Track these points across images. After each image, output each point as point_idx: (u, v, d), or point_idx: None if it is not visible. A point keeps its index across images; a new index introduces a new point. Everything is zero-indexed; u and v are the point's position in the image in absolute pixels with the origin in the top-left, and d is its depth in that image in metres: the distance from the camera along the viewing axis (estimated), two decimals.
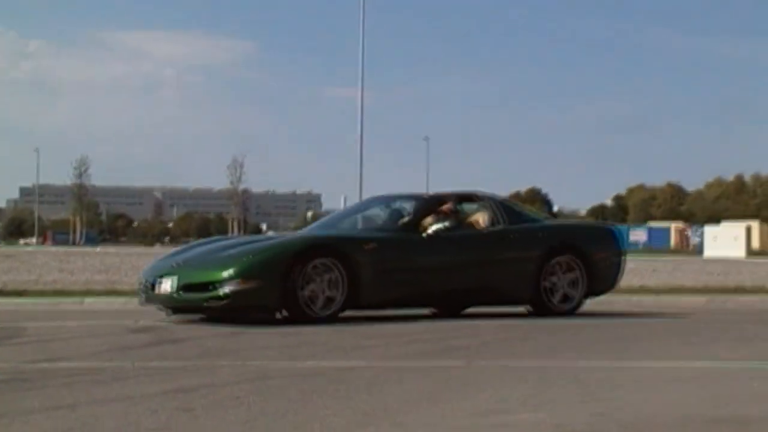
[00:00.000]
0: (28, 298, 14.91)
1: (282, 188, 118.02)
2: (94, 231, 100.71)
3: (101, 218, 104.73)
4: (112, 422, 5.77)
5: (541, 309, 12.05)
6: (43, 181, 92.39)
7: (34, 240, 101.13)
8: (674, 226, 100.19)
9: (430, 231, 11.61)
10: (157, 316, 11.57)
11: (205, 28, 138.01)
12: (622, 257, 13.15)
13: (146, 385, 7.02)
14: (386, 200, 13.27)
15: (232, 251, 10.89)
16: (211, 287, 10.36)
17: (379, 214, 12.81)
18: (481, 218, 12.23)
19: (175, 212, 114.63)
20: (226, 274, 10.33)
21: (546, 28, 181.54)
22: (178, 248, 13.00)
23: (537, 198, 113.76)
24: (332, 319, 10.69)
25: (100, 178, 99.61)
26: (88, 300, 14.76)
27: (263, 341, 9.59)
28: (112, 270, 27.43)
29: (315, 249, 10.88)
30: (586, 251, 12.38)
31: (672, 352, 9.09)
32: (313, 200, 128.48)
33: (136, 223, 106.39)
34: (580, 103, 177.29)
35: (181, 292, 10.52)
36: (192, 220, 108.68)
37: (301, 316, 10.53)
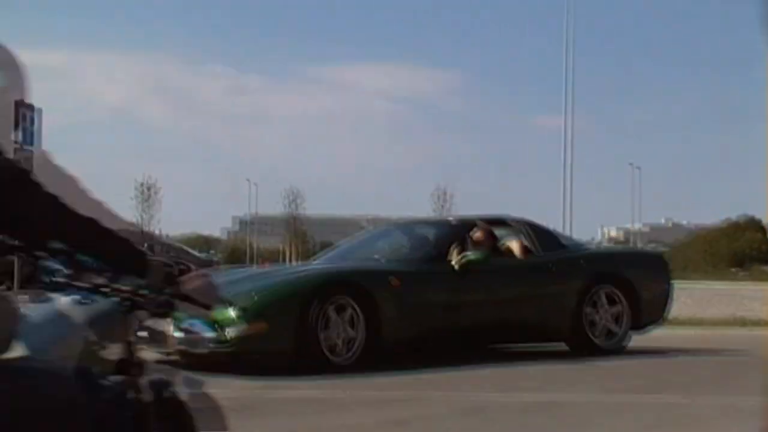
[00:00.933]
0: None
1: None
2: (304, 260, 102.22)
3: (311, 248, 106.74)
4: None
5: (582, 345, 10.64)
6: (257, 211, 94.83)
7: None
8: None
9: (459, 262, 10.13)
10: None
11: (412, 60, 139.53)
12: (671, 287, 11.68)
13: (362, 415, 7.08)
14: (407, 226, 12.17)
15: (237, 288, 9.23)
16: (213, 331, 8.79)
17: (402, 242, 11.45)
18: (514, 245, 10.84)
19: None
20: (230, 316, 8.75)
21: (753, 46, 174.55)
22: None
23: (751, 225, 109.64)
24: (351, 365, 9.07)
25: (310, 208, 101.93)
26: None
27: (477, 372, 9.51)
28: None
29: (333, 285, 9.30)
30: (631, 281, 10.97)
31: None
32: None
33: None
34: None
35: (180, 335, 8.88)
36: None
37: (318, 363, 8.86)
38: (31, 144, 16.19)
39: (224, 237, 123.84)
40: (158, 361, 8.58)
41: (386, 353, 9.43)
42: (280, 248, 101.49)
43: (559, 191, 53.27)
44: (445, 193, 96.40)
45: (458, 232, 10.72)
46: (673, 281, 11.86)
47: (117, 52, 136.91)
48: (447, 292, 10.05)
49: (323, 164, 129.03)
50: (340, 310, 8.96)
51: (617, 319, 10.79)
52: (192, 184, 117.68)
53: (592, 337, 10.64)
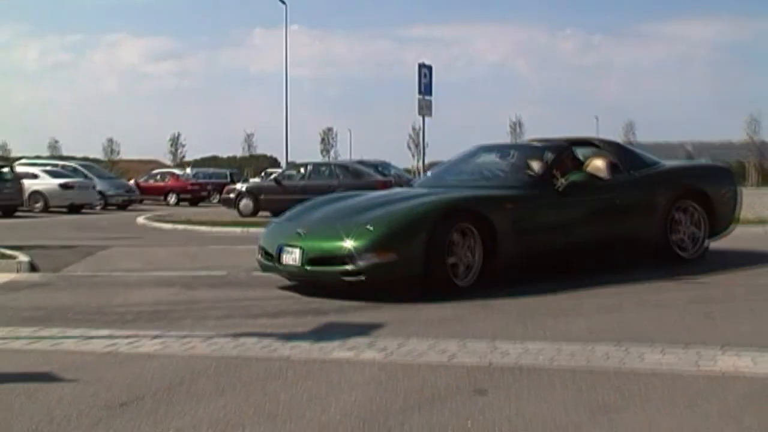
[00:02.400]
0: None
1: None
2: None
3: None
4: (648, 322, 6.10)
5: (668, 255, 8.78)
6: None
7: None
8: None
9: (563, 184, 8.23)
10: None
11: (733, 12, 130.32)
12: (739, 195, 9.65)
13: (676, 293, 7.11)
14: (499, 150, 9.82)
15: (364, 216, 7.56)
16: (343, 261, 7.18)
17: (498, 166, 9.20)
18: (600, 164, 8.80)
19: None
20: (359, 245, 7.11)
21: None
22: (300, 207, 8.71)
23: None
24: (472, 286, 7.43)
25: (644, 136, 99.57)
26: None
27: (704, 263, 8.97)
28: None
29: (457, 212, 7.55)
30: (707, 192, 9.07)
31: None
32: None
33: None
34: None
35: (310, 266, 7.34)
36: None
37: (445, 286, 7.23)
38: (429, 94, 17.32)
39: None
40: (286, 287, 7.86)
41: (500, 274, 7.68)
42: None
43: None
44: (756, 120, 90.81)
45: (558, 154, 8.73)
46: (739, 190, 9.87)
47: (494, 24, 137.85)
48: (554, 213, 8.24)
49: (654, 102, 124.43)
50: (463, 235, 7.43)
51: (697, 229, 9.03)
52: (552, 122, 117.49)
53: (676, 248, 8.87)
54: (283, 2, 52.49)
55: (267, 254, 7.83)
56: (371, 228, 7.22)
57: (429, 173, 10.34)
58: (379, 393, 4.32)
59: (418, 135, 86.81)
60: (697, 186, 9.20)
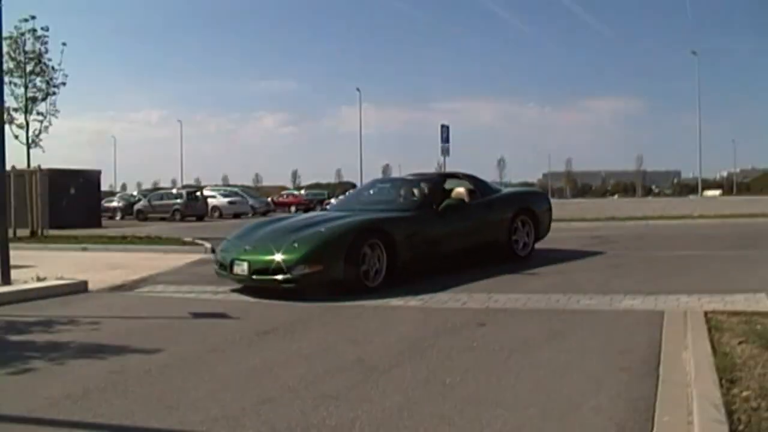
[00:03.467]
0: None
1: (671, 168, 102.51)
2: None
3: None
4: (582, 280, 5.97)
5: (511, 255, 7.55)
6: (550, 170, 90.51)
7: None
8: None
9: (441, 206, 7.01)
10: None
11: (626, 94, 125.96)
12: (551, 212, 8.41)
13: (599, 263, 6.93)
14: (390, 182, 8.47)
15: (296, 235, 6.08)
16: (280, 271, 5.76)
17: (391, 194, 7.75)
18: (462, 191, 7.56)
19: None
20: (293, 260, 5.75)
21: None
22: (247, 227, 7.02)
23: None
24: (378, 286, 5.92)
25: (578, 167, 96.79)
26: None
27: (623, 243, 8.77)
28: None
29: (368, 231, 6.15)
30: (534, 210, 7.94)
31: None
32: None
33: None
34: None
35: (255, 275, 5.92)
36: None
37: (359, 288, 5.80)
38: (448, 142, 17.23)
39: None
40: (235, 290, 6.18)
41: (398, 276, 6.19)
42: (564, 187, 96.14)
43: None
44: (640, 157, 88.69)
45: (434, 185, 7.48)
46: (552, 208, 8.53)
47: (485, 100, 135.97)
48: (437, 227, 6.86)
49: (583, 145, 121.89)
50: (371, 248, 6.09)
51: (528, 236, 7.81)
52: (522, 160, 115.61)
53: (516, 250, 7.64)
54: (358, 90, 52.89)
55: (221, 266, 6.31)
56: (297, 246, 5.88)
57: (341, 198, 8.52)
58: (419, 326, 4.31)
59: (441, 168, 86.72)
60: (527, 205, 8.00)
